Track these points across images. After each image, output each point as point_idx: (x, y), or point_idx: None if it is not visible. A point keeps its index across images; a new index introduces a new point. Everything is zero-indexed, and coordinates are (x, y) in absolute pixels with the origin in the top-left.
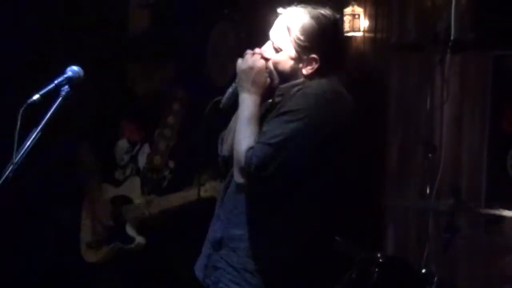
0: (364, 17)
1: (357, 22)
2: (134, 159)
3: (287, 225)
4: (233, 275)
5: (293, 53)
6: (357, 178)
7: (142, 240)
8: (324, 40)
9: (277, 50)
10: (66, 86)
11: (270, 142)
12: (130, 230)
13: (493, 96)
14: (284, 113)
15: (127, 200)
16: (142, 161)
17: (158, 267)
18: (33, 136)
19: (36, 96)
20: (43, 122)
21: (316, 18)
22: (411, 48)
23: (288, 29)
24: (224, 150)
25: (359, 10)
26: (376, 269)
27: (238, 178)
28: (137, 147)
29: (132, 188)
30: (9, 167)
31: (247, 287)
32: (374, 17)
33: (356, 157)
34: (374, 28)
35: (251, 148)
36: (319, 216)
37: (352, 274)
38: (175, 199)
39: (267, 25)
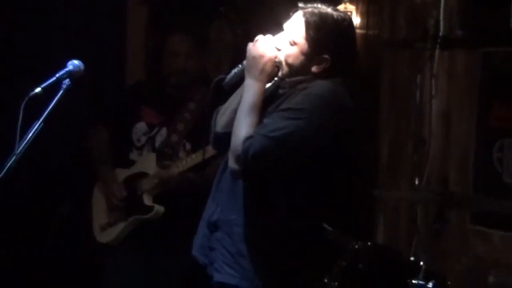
0: (356, 14)
1: None
2: (151, 140)
3: (281, 215)
4: (227, 257)
5: (306, 49)
6: (351, 172)
7: (161, 208)
8: (338, 43)
9: (291, 43)
10: (67, 80)
11: (269, 135)
12: (147, 200)
13: (481, 91)
14: (286, 110)
15: (142, 175)
16: (159, 142)
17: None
18: (35, 128)
19: (37, 89)
20: (44, 115)
21: (335, 20)
22: (401, 45)
23: (306, 25)
24: (218, 126)
25: (351, 7)
26: (367, 258)
27: (232, 164)
28: (155, 130)
29: (148, 164)
30: (11, 158)
31: (240, 271)
32: (366, 14)
33: (351, 152)
34: (366, 25)
35: (250, 137)
36: (313, 208)
37: (343, 263)
38: (189, 161)
39: (263, 22)
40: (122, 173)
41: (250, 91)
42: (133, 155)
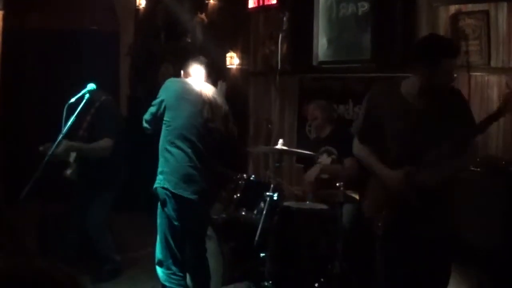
0: (236, 57)
1: (233, 60)
2: None
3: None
4: (201, 187)
5: None
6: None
7: None
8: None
9: None
10: (87, 94)
11: None
12: None
13: (299, 97)
14: None
15: None
16: None
17: None
18: (71, 120)
19: (73, 100)
20: (76, 113)
21: None
22: (259, 74)
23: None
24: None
25: (233, 54)
26: (243, 182)
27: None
28: None
29: None
30: (59, 135)
31: (205, 194)
32: (241, 57)
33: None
34: (241, 63)
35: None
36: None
37: (231, 184)
38: None
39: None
40: None
41: None
42: None
